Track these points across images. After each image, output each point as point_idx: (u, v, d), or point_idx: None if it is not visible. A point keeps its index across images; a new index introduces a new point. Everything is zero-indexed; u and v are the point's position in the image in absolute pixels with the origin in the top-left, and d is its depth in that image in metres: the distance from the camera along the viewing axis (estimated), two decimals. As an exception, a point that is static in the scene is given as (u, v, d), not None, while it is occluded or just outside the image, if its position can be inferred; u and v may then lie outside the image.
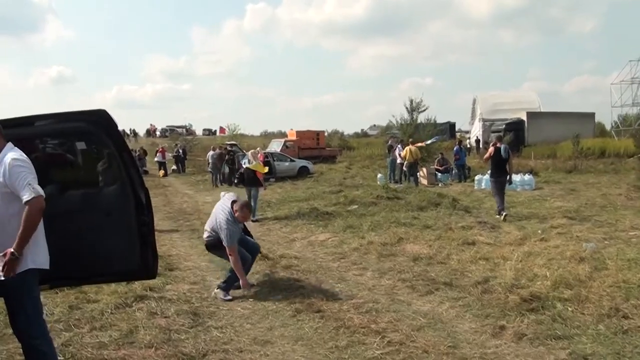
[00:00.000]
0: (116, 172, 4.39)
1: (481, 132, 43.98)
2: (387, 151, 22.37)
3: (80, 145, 4.55)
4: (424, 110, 29.64)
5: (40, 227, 3.54)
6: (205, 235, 6.56)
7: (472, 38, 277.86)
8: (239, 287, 6.25)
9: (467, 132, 59.66)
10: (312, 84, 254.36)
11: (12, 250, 3.33)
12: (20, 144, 3.65)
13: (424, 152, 22.93)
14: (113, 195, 4.42)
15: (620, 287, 5.72)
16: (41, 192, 3.41)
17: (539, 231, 9.32)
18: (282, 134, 65.05)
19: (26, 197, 3.36)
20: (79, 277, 4.49)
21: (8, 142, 3.61)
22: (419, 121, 29.27)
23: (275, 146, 33.59)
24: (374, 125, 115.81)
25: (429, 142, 23.52)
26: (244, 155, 15.51)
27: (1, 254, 3.37)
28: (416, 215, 11.53)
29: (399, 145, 20.56)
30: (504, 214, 11.02)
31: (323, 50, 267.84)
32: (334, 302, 5.90)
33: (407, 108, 29.61)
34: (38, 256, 3.54)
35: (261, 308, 5.81)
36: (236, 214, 6.24)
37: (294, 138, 36.82)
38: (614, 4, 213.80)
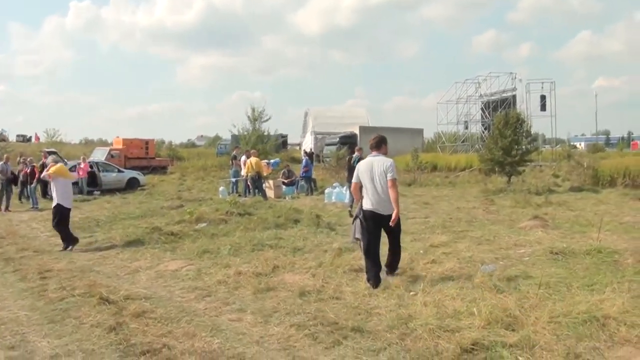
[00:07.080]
0: None
1: (313, 145, 44.44)
2: (230, 162, 20.65)
3: None
4: (267, 120, 28.60)
5: None
6: None
7: (304, 55, 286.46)
8: None
9: (297, 144, 60.21)
10: (138, 91, 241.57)
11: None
12: None
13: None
14: None
15: (561, 322, 4.79)
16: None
17: (421, 251, 8.34)
18: (105, 142, 60.29)
19: None
20: None
21: None
22: (261, 131, 28.09)
23: (99, 155, 30.37)
24: (202, 135, 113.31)
25: (272, 163, 22.32)
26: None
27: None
28: (278, 234, 10.10)
29: (244, 157, 18.96)
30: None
31: (151, 56, 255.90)
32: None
33: (248, 117, 28.31)
34: None
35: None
36: None
37: (121, 146, 33.54)
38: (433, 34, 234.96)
